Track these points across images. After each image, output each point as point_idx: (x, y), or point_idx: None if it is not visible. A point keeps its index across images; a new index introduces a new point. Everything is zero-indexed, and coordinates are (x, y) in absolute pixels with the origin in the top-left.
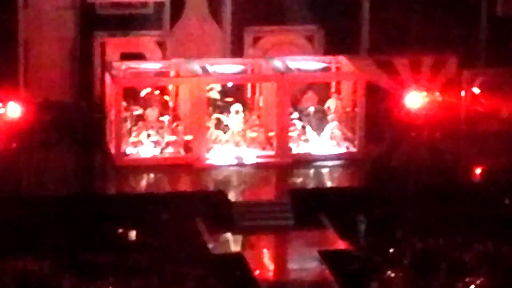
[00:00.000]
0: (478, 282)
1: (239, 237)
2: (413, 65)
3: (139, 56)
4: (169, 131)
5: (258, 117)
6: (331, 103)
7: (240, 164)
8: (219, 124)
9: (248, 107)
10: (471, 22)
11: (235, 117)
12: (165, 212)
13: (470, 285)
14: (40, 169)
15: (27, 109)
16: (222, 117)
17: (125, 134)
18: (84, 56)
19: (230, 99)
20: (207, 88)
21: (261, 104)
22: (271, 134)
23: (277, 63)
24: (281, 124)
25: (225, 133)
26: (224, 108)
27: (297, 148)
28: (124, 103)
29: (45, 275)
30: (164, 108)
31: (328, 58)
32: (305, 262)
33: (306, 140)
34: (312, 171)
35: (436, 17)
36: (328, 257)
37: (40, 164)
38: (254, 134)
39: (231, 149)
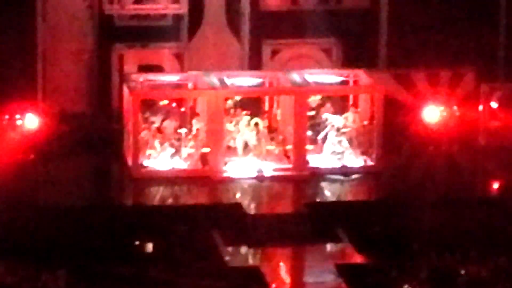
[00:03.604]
0: None
1: (256, 250)
2: (430, 78)
3: (157, 68)
4: (187, 144)
5: (276, 130)
6: (348, 117)
7: (257, 177)
8: (235, 137)
9: (265, 120)
10: (489, 36)
11: (252, 130)
12: (182, 224)
13: None
14: (57, 180)
15: (44, 120)
16: (239, 130)
17: (143, 146)
18: (102, 68)
19: (247, 112)
20: (225, 100)
21: (278, 117)
22: (288, 147)
23: (295, 76)
24: (298, 137)
25: (241, 146)
26: (241, 121)
27: (314, 161)
28: (141, 115)
29: (61, 286)
30: (181, 120)
31: (346, 71)
32: (321, 275)
33: (323, 153)
34: (329, 184)
35: (454, 30)
36: (345, 270)
37: (57, 175)
38: (271, 147)
39: (249, 162)
